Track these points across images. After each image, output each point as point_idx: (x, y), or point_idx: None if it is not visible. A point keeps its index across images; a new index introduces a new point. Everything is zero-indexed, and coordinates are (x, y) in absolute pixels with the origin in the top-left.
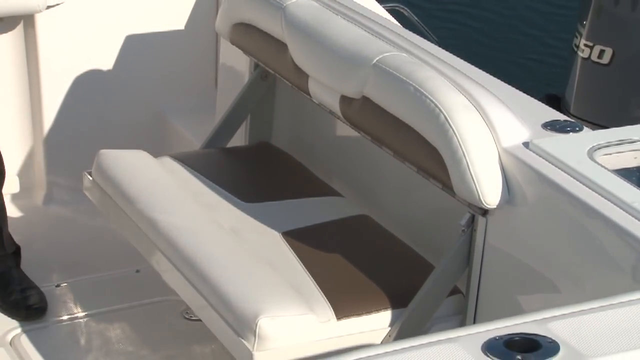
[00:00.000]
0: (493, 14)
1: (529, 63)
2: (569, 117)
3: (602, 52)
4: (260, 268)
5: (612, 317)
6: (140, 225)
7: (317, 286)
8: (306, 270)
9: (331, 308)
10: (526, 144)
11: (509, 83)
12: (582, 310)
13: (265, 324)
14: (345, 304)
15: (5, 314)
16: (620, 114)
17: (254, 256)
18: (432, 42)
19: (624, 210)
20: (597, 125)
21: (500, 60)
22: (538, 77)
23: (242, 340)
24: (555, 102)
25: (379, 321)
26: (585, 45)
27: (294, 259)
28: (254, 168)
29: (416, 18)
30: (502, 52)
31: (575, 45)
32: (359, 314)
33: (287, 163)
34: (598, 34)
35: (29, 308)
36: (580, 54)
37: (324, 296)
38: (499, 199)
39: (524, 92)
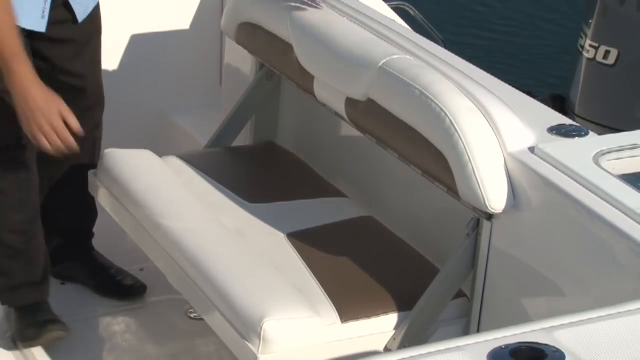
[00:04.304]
0: (498, 13)
1: (533, 62)
2: (573, 117)
3: (607, 52)
4: (264, 270)
5: (619, 326)
6: (145, 225)
7: (322, 288)
8: (311, 272)
9: (336, 311)
10: (532, 149)
11: (513, 82)
12: (589, 319)
13: (270, 326)
14: (349, 307)
15: (102, 297)
16: (625, 115)
17: (259, 258)
18: (436, 40)
19: (628, 216)
20: (601, 125)
21: (504, 60)
22: (542, 77)
23: (247, 343)
24: (559, 102)
25: (384, 324)
26: (591, 45)
27: (299, 261)
28: (258, 168)
29: (421, 16)
30: (506, 51)
31: (580, 45)
32: (363, 317)
33: (292, 163)
34: (603, 34)
35: (130, 289)
36: (585, 54)
37: (329, 299)
38: (504, 204)
39: (529, 91)
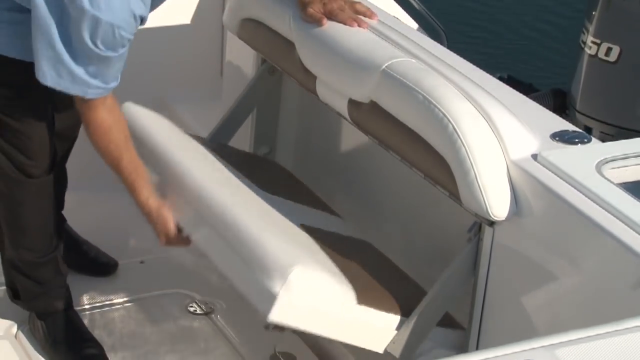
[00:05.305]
0: (500, 7)
1: (535, 57)
2: (574, 113)
3: (609, 49)
4: (291, 234)
5: (620, 343)
6: (165, 167)
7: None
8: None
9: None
10: (534, 156)
11: (514, 74)
12: (590, 337)
13: (298, 274)
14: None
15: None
16: (627, 112)
17: (283, 226)
18: (438, 32)
19: (628, 226)
20: (602, 122)
21: (506, 54)
22: (544, 72)
23: (269, 281)
24: (561, 97)
25: (385, 326)
26: (593, 42)
27: (317, 245)
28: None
29: (424, 8)
30: (508, 45)
31: (582, 41)
32: (365, 319)
33: (289, 179)
34: (605, 31)
35: (107, 265)
36: (587, 50)
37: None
38: (506, 211)
39: (529, 83)
